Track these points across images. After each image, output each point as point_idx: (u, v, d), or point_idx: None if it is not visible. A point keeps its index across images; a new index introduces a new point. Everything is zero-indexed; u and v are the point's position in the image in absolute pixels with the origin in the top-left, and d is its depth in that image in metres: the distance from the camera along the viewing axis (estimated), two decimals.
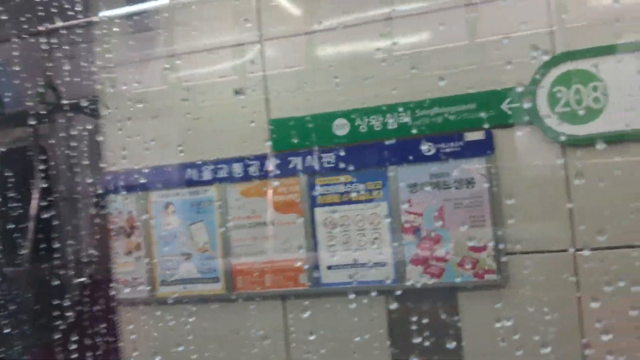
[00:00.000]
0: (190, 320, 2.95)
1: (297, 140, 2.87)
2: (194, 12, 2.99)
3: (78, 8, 2.86)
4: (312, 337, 2.81)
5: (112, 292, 3.02)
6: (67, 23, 3.14)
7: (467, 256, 2.64)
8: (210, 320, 2.96)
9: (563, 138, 2.50)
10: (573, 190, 2.50)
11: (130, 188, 3.09)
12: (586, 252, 2.44)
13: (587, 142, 2.47)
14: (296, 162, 2.88)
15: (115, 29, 3.08)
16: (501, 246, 2.59)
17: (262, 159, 2.92)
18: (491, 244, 2.60)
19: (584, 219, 2.47)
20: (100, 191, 3.25)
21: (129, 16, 3.07)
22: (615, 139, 2.42)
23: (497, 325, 2.46)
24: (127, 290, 3.06)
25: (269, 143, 2.90)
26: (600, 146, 2.38)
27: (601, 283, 2.23)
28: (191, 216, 3.03)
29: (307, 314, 2.82)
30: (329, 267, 2.84)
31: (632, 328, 2.27)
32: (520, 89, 2.56)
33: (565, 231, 2.49)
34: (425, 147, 2.69)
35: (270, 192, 2.92)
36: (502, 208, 2.59)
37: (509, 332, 2.44)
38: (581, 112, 2.49)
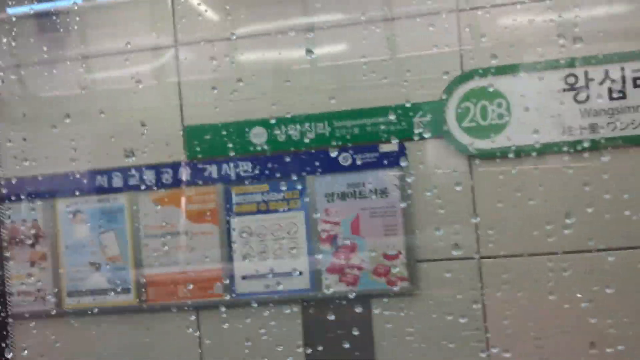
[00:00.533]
0: (98, 333, 2.84)
1: (213, 148, 2.84)
2: (108, 15, 2.91)
3: None
4: (227, 348, 2.78)
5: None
6: None
7: (381, 264, 2.71)
8: (120, 332, 2.87)
9: (470, 151, 2.62)
10: (478, 200, 2.62)
11: (35, 195, 2.94)
12: (490, 260, 2.58)
13: (491, 155, 2.60)
14: (212, 170, 2.84)
15: (23, 28, 2.94)
16: (413, 254, 2.68)
17: (176, 166, 2.86)
18: (403, 252, 2.68)
19: (488, 228, 2.59)
20: None
21: (38, 16, 2.93)
22: (518, 152, 2.56)
23: (409, 330, 2.54)
24: (28, 302, 2.90)
25: (184, 150, 2.85)
26: (503, 159, 2.53)
27: (504, 288, 2.36)
28: (102, 224, 2.93)
29: (221, 325, 2.78)
30: (244, 277, 2.82)
31: (530, 331, 2.42)
32: (432, 104, 2.67)
33: (472, 239, 2.61)
34: (342, 158, 2.74)
35: (184, 200, 2.87)
36: (414, 217, 2.68)
37: (420, 338, 2.52)
38: (486, 127, 2.62)
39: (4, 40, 2.88)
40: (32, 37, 2.95)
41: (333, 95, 2.71)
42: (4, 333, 2.46)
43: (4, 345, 2.37)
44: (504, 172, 2.57)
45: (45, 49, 2.93)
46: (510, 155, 2.54)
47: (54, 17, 2.92)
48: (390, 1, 2.73)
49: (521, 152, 2.55)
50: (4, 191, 2.79)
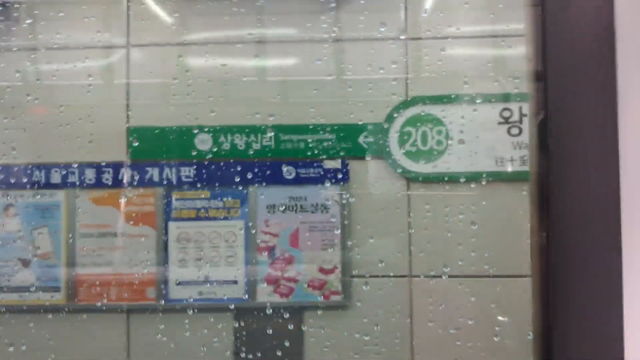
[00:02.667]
0: (22, 331, 2.76)
1: (156, 150, 2.83)
2: (60, 10, 2.86)
3: None
4: (155, 353, 2.76)
5: None
6: None
7: (316, 277, 2.76)
8: (47, 331, 2.79)
9: (408, 173, 2.73)
10: (413, 222, 2.73)
11: None
12: (420, 278, 2.68)
13: (428, 179, 2.72)
14: (153, 173, 2.83)
15: None
16: (348, 269, 2.74)
17: (117, 166, 2.84)
18: (339, 267, 2.75)
19: (419, 248, 2.70)
20: None
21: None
22: (453, 178, 2.69)
23: (339, 343, 2.61)
24: None
25: (126, 151, 2.83)
26: (439, 183, 2.65)
27: (430, 308, 2.46)
28: (35, 220, 2.86)
29: (151, 329, 2.76)
30: (179, 283, 2.81)
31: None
32: (375, 126, 2.76)
33: (405, 258, 2.71)
34: (286, 170, 2.79)
35: (122, 201, 2.84)
36: (351, 233, 2.75)
37: (349, 350, 2.59)
38: (425, 152, 2.74)
39: None
40: None
41: (279, 108, 2.77)
42: None
43: None
44: (438, 195, 2.69)
45: None
46: (445, 179, 2.67)
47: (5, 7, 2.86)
48: (343, 24, 2.81)
49: (456, 178, 2.68)
50: None
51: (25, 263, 2.84)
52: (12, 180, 2.85)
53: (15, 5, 2.88)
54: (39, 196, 2.86)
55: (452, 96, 2.73)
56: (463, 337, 2.55)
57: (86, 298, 2.83)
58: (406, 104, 2.74)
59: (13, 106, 2.82)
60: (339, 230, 2.76)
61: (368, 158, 2.77)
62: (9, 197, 2.87)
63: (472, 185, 2.67)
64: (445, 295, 2.63)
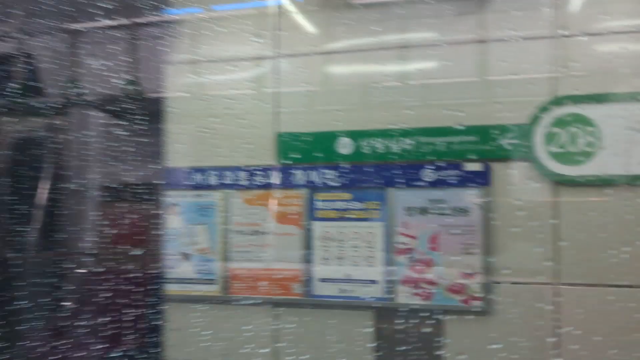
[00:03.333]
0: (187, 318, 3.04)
1: (302, 155, 2.99)
2: (216, 27, 3.11)
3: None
4: (300, 345, 2.89)
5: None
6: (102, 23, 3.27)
7: (457, 282, 2.73)
8: (202, 319, 3.05)
9: (554, 176, 2.61)
10: (562, 227, 2.60)
11: None
12: (566, 287, 2.55)
13: (577, 182, 2.58)
14: (299, 176, 2.99)
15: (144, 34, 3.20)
16: (490, 274, 2.68)
17: (267, 169, 3.03)
18: (480, 272, 2.70)
19: (569, 255, 2.57)
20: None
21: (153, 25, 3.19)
22: (604, 182, 2.53)
23: (479, 350, 2.56)
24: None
25: (275, 155, 3.02)
26: (590, 186, 2.50)
27: (579, 317, 2.32)
28: (195, 218, 3.13)
29: (297, 323, 2.91)
30: (322, 280, 2.93)
31: None
32: (520, 127, 2.68)
33: (550, 264, 2.59)
34: (425, 173, 2.80)
35: (272, 202, 3.02)
36: (493, 238, 2.69)
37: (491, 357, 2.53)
38: (574, 154, 2.61)
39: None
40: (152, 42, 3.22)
41: (421, 111, 2.78)
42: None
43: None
44: (590, 201, 2.55)
45: (159, 54, 3.20)
46: (597, 184, 2.52)
47: (171, 25, 3.17)
48: (484, 24, 2.77)
49: (607, 181, 2.52)
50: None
51: (186, 257, 3.13)
52: (177, 182, 3.15)
53: (179, 22, 3.18)
54: (199, 196, 3.14)
55: (603, 95, 2.57)
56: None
57: (238, 290, 3.06)
58: (553, 104, 2.63)
59: (181, 115, 3.13)
60: (480, 235, 2.71)
61: (511, 160, 2.70)
62: (174, 197, 3.18)
63: (625, 189, 2.49)
64: (596, 304, 2.48)
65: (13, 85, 3.75)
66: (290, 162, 2.99)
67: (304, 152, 2.97)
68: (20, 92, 3.80)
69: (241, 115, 3.04)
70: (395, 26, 2.88)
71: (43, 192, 3.80)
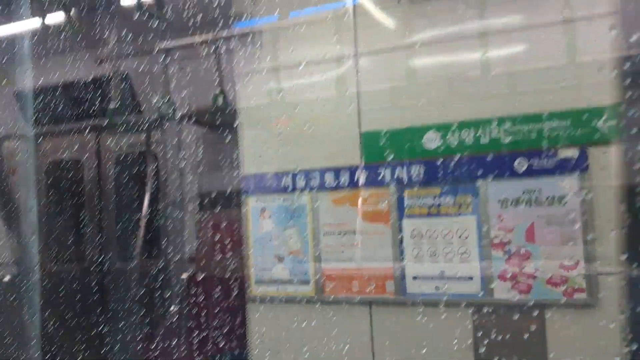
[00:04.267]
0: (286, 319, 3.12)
1: (387, 152, 2.97)
2: (295, 33, 3.18)
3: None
4: (397, 345, 2.89)
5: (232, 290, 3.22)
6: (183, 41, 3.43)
7: (557, 274, 2.62)
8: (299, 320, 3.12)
9: None
10: None
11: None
12: None
13: None
14: (386, 173, 2.98)
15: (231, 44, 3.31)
16: (592, 265, 2.55)
17: (353, 169, 3.05)
18: (582, 263, 2.57)
19: None
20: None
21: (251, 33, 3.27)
22: None
23: (584, 344, 2.43)
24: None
25: (360, 154, 3.03)
26: None
27: None
28: (286, 221, 3.21)
29: (392, 321, 2.90)
30: (415, 278, 2.91)
31: None
32: (615, 108, 2.52)
33: None
34: (518, 163, 2.70)
35: (359, 201, 3.04)
36: (593, 227, 2.56)
37: (595, 352, 2.40)
38: None
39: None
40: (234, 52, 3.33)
41: (509, 99, 2.69)
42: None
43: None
44: None
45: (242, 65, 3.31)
46: None
47: (251, 36, 3.27)
48: (569, 4, 2.63)
49: None
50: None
51: (280, 259, 3.22)
52: (267, 186, 3.25)
53: (259, 32, 3.28)
54: (288, 200, 3.21)
55: None
56: None
57: (332, 291, 3.10)
58: None
59: (267, 122, 3.22)
60: (579, 224, 2.58)
61: (609, 144, 2.54)
62: (264, 202, 3.28)
63: None
64: None
65: (112, 105, 4.01)
66: (376, 161, 2.99)
67: (389, 149, 2.96)
68: (119, 110, 4.05)
69: (325, 118, 3.08)
70: (475, 13, 2.81)
71: (145, 204, 4.04)
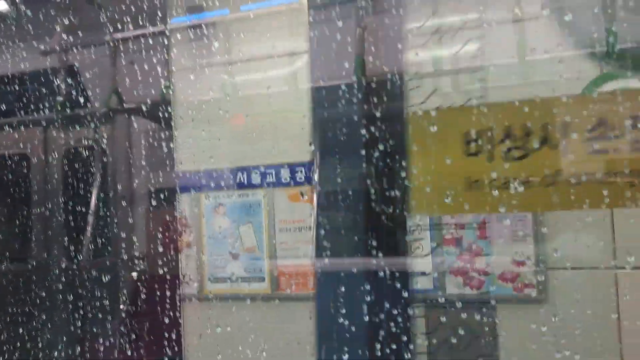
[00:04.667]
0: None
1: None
2: (241, 26, 3.12)
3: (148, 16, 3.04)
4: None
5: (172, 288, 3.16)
6: (136, 32, 3.34)
7: (509, 270, 2.67)
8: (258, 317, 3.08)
9: None
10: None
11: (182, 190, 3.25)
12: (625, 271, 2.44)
13: None
14: None
15: (179, 38, 3.24)
16: (543, 261, 2.61)
17: (307, 165, 3.03)
18: (532, 259, 2.62)
19: (625, 238, 2.47)
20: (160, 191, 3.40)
21: (194, 26, 3.21)
22: None
23: (534, 338, 2.48)
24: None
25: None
26: None
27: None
28: (241, 218, 3.16)
29: None
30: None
31: None
32: None
33: (609, 250, 2.49)
34: None
35: (316, 197, 3.02)
36: (545, 224, 2.61)
37: (544, 346, 2.45)
38: None
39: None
40: (189, 46, 3.25)
41: None
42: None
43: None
44: None
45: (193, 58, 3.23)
46: None
47: (202, 29, 3.21)
48: None
49: None
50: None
51: (235, 256, 3.17)
52: (221, 182, 3.19)
53: (210, 25, 3.20)
54: (243, 196, 3.17)
55: None
56: None
57: (288, 287, 3.07)
58: None
59: (219, 116, 3.15)
60: (530, 220, 2.63)
61: None
62: (218, 198, 3.22)
63: None
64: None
65: (59, 98, 3.86)
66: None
67: None
68: (66, 104, 3.91)
69: (278, 113, 3.04)
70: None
71: (93, 201, 3.91)
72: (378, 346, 2.61)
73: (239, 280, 3.14)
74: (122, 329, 3.53)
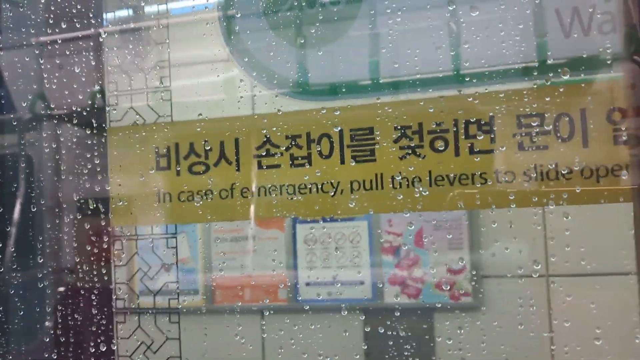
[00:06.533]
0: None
1: None
2: (174, 30, 3.04)
3: (75, 18, 2.92)
4: (288, 350, 2.84)
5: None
6: (64, 35, 3.19)
7: (444, 278, 2.70)
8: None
9: None
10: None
11: None
12: (557, 278, 2.51)
13: None
14: None
15: (111, 41, 3.13)
16: (478, 269, 2.65)
17: None
18: (468, 267, 2.66)
19: (559, 245, 2.53)
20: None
21: (131, 30, 3.11)
22: None
23: (471, 345, 2.51)
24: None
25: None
26: None
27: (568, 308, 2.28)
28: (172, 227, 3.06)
29: (284, 329, 2.85)
30: (307, 284, 2.88)
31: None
32: None
33: (541, 256, 2.55)
34: None
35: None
36: (479, 232, 2.66)
37: (481, 353, 2.48)
38: None
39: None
40: (125, 49, 3.13)
41: None
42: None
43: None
44: None
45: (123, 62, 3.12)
46: None
47: (134, 32, 3.10)
48: None
49: None
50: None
51: (168, 268, 3.05)
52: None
53: (141, 29, 3.10)
54: None
55: None
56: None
57: (223, 299, 2.99)
58: None
59: (151, 122, 3.04)
60: (466, 229, 2.68)
61: None
62: None
63: None
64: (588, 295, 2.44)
65: None
66: None
67: None
68: None
69: (213, 119, 2.97)
70: None
71: (18, 210, 3.70)
72: None
73: (172, 292, 3.04)
74: (48, 343, 3.34)
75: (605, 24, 2.14)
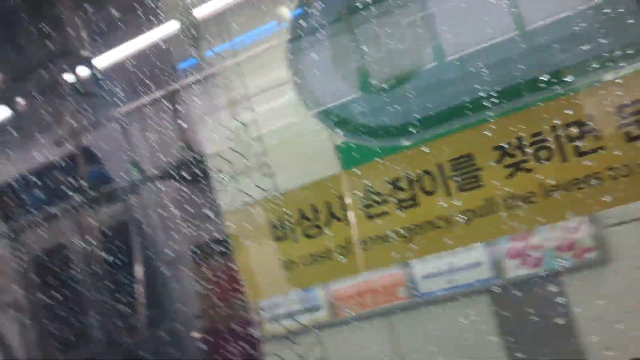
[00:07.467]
0: None
1: None
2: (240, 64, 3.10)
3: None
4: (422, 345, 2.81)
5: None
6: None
7: (564, 239, 2.57)
8: None
9: None
10: None
11: None
12: None
13: None
14: None
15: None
16: (597, 220, 2.50)
17: None
18: (586, 221, 2.52)
19: None
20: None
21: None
22: None
23: (607, 304, 2.36)
24: None
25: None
26: None
27: None
28: None
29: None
30: (426, 277, 2.84)
31: None
32: None
33: None
34: None
35: None
36: None
37: (621, 311, 2.33)
38: None
39: None
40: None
41: None
42: None
43: None
44: None
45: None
46: None
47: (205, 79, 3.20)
48: None
49: None
50: None
51: None
52: None
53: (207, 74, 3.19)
54: None
55: None
56: None
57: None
58: None
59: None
60: None
61: None
62: None
63: None
64: None
65: (83, 181, 3.92)
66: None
67: None
68: (92, 184, 3.96)
69: (295, 140, 2.96)
70: None
71: (139, 270, 3.93)
72: None
73: None
74: None
75: None
